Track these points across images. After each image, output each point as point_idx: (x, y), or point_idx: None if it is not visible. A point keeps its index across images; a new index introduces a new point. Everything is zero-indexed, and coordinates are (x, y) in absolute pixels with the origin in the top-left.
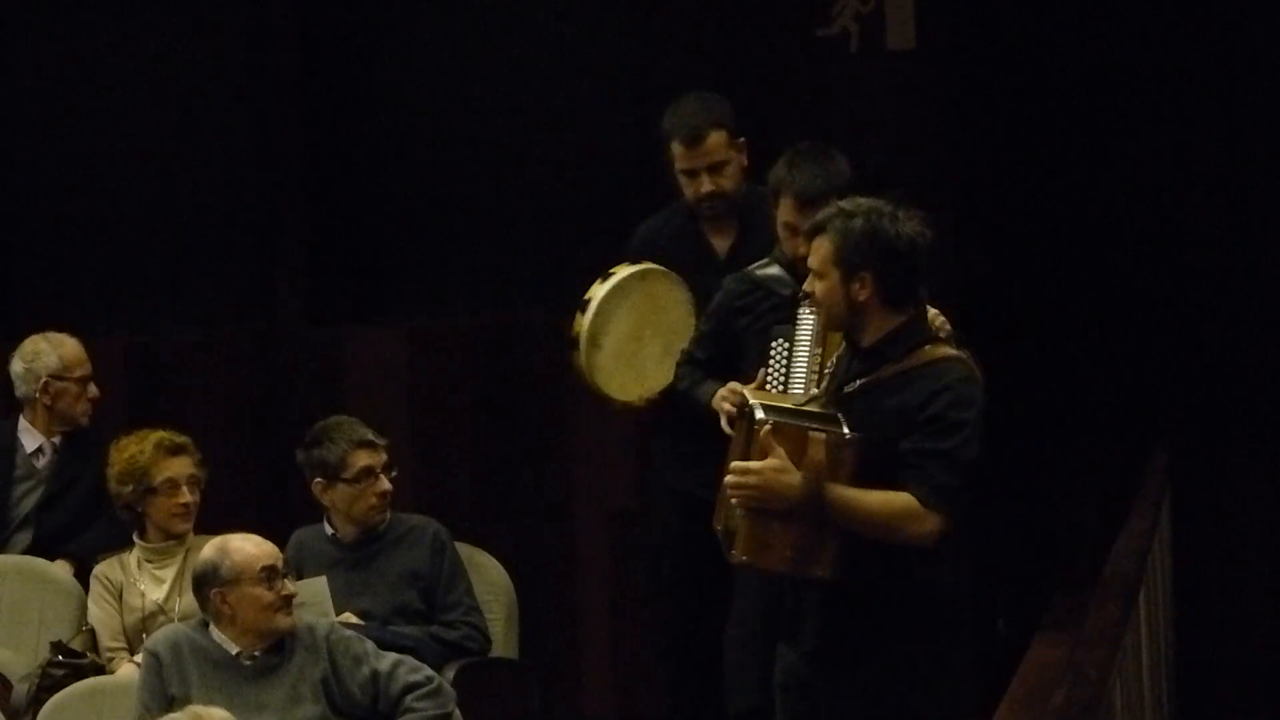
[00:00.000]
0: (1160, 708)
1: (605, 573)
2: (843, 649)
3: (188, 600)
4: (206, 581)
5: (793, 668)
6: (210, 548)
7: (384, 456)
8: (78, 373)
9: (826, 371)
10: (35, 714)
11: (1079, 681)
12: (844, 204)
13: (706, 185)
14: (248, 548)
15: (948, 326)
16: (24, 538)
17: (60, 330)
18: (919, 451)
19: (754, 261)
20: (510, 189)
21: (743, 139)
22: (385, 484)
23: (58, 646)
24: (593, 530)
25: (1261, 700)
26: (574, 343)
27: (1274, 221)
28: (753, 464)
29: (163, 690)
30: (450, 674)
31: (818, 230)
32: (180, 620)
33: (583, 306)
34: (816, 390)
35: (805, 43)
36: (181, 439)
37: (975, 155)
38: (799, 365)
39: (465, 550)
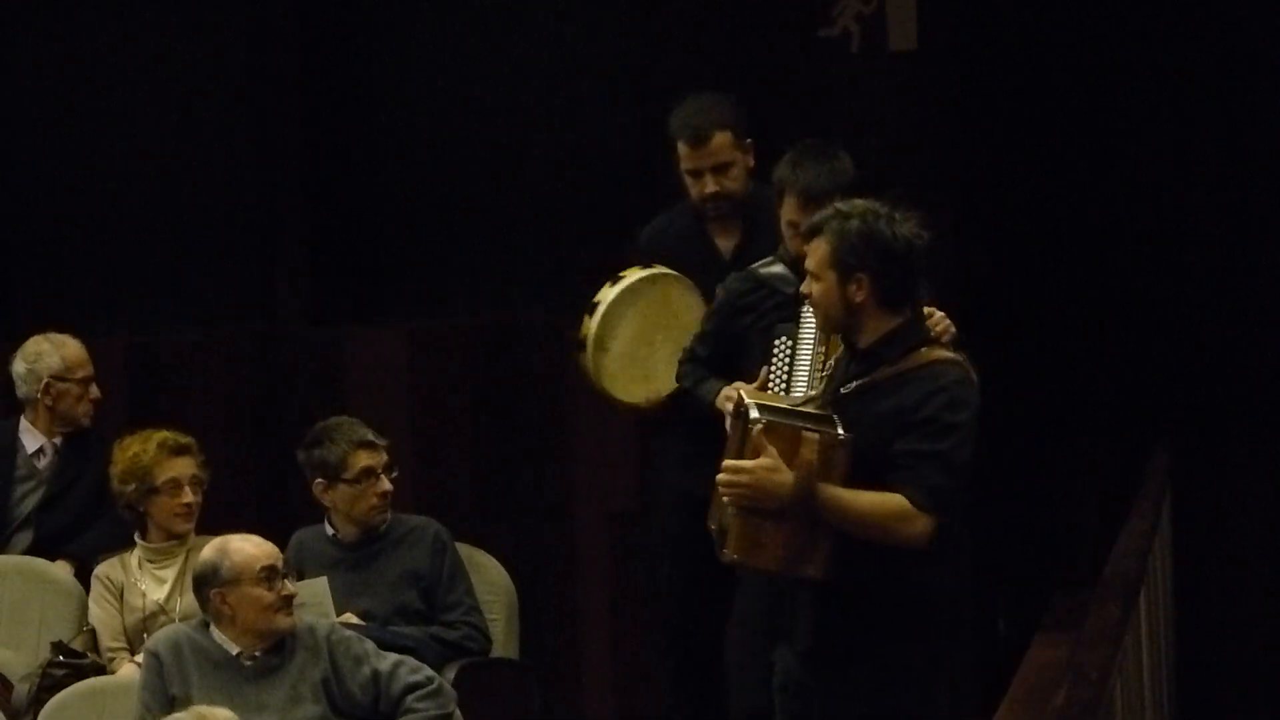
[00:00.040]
0: (1161, 708)
1: (605, 573)
2: (835, 649)
3: (189, 600)
4: (206, 582)
5: (789, 669)
6: (210, 548)
7: (385, 457)
8: (79, 374)
9: (825, 374)
10: (36, 714)
11: (1079, 681)
12: (840, 205)
13: (710, 186)
14: (248, 548)
15: (952, 329)
16: (25, 538)
17: (60, 330)
18: (912, 453)
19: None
20: (510, 189)
21: (749, 140)
22: (386, 484)
23: (58, 647)
24: (593, 530)
25: (1261, 700)
26: (581, 345)
27: (1274, 221)
28: (745, 463)
29: (163, 690)
30: (451, 674)
31: (814, 232)
32: (181, 620)
33: (590, 309)
34: (816, 390)
35: (806, 43)
36: (185, 439)
37: (975, 155)
38: (802, 364)
39: (465, 550)
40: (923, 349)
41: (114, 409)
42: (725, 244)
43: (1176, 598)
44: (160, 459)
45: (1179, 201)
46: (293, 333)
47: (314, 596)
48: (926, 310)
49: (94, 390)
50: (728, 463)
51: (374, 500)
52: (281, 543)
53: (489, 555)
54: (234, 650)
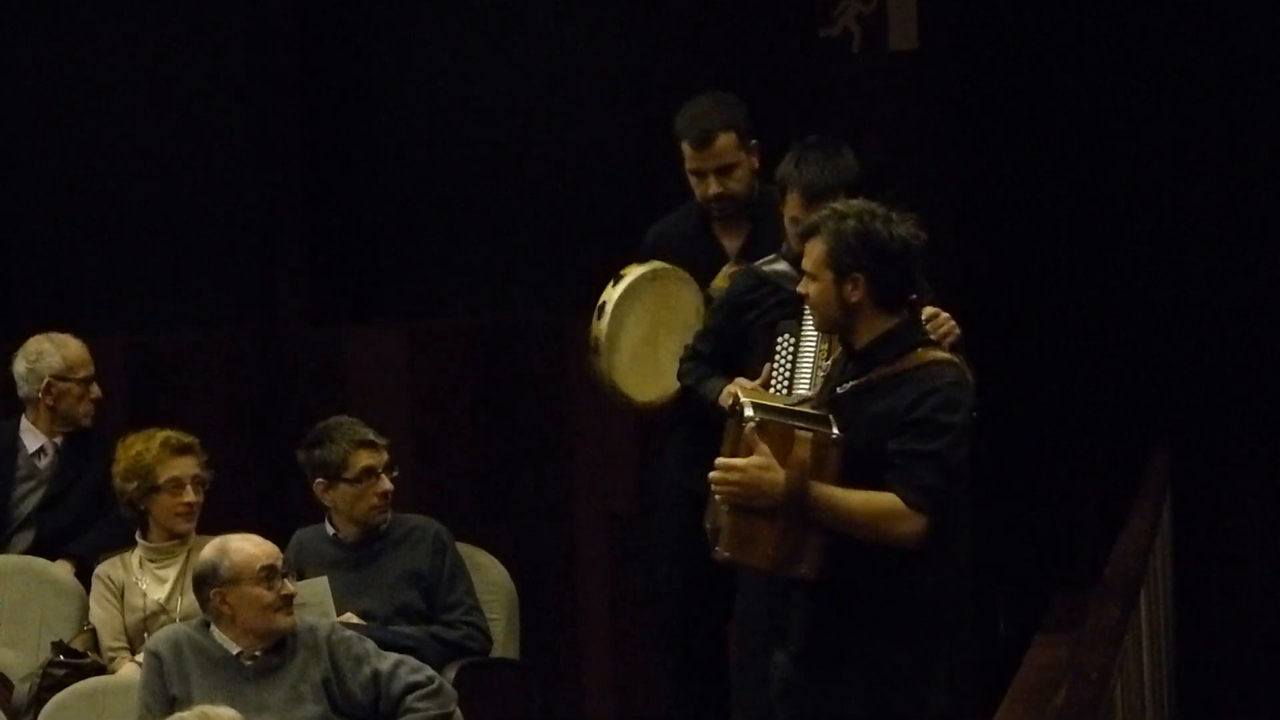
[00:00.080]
0: (1161, 708)
1: (605, 573)
2: (828, 649)
3: (189, 600)
4: (206, 581)
5: (784, 671)
6: (210, 548)
7: (385, 456)
8: (80, 373)
9: (822, 374)
10: (36, 714)
11: (1080, 681)
12: (837, 206)
13: (714, 187)
14: (247, 548)
15: (957, 330)
16: (25, 538)
17: (61, 330)
18: (905, 453)
19: None
20: (510, 189)
21: (755, 141)
22: (386, 484)
23: (59, 646)
24: (593, 530)
25: (1261, 700)
26: (594, 348)
27: (1274, 221)
28: (737, 460)
29: (164, 690)
30: (451, 674)
31: (811, 232)
32: (182, 620)
33: (598, 311)
34: (812, 389)
35: (807, 43)
36: (188, 439)
37: (975, 155)
38: (805, 360)
39: (466, 550)
40: (919, 350)
41: (114, 409)
42: (731, 243)
43: (1176, 598)
44: (163, 458)
45: (1179, 201)
46: (293, 333)
47: (314, 596)
48: (931, 311)
49: (95, 390)
50: (720, 460)
51: (375, 500)
52: (282, 543)
53: (489, 555)
54: (234, 650)
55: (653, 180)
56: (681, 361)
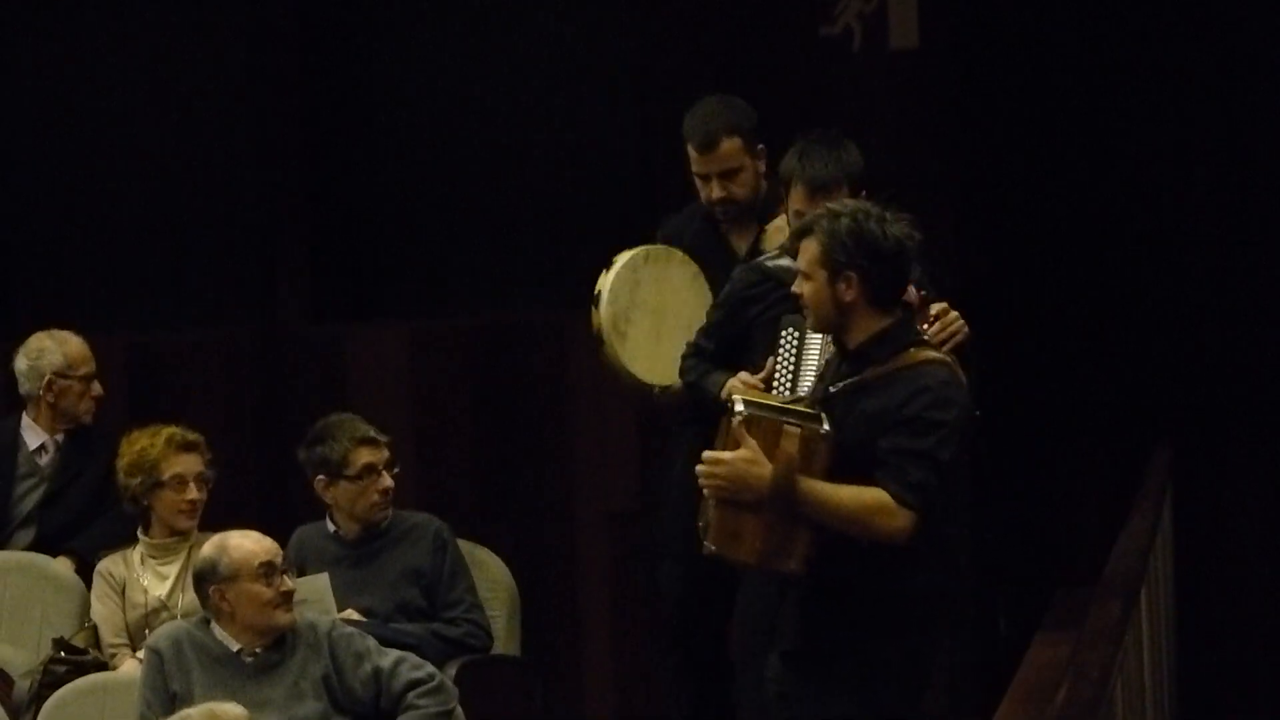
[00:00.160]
0: (1161, 707)
1: (605, 572)
2: (819, 648)
3: (190, 597)
4: (206, 578)
5: (777, 673)
6: (210, 545)
7: (386, 453)
8: (81, 370)
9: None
10: (37, 711)
11: (1080, 680)
12: (832, 205)
13: (717, 191)
14: (246, 544)
15: (965, 329)
16: (26, 535)
17: (61, 329)
18: (895, 450)
19: None
20: (510, 189)
21: (761, 146)
22: (387, 481)
23: (60, 643)
24: (593, 530)
25: (1261, 700)
26: (599, 338)
27: (1274, 221)
28: (723, 454)
29: (164, 687)
30: (452, 671)
31: (805, 232)
32: (183, 617)
33: (594, 300)
34: (796, 391)
35: (807, 41)
36: (193, 436)
37: (976, 155)
38: (810, 354)
39: (466, 547)
40: (912, 349)
41: (114, 409)
42: (740, 243)
43: (1177, 598)
44: (167, 454)
45: (1179, 201)
46: (293, 332)
47: (315, 593)
48: (942, 306)
49: (96, 387)
50: (707, 454)
51: (375, 497)
52: (282, 543)
53: (490, 552)
54: (235, 647)
55: (653, 180)
56: (683, 359)
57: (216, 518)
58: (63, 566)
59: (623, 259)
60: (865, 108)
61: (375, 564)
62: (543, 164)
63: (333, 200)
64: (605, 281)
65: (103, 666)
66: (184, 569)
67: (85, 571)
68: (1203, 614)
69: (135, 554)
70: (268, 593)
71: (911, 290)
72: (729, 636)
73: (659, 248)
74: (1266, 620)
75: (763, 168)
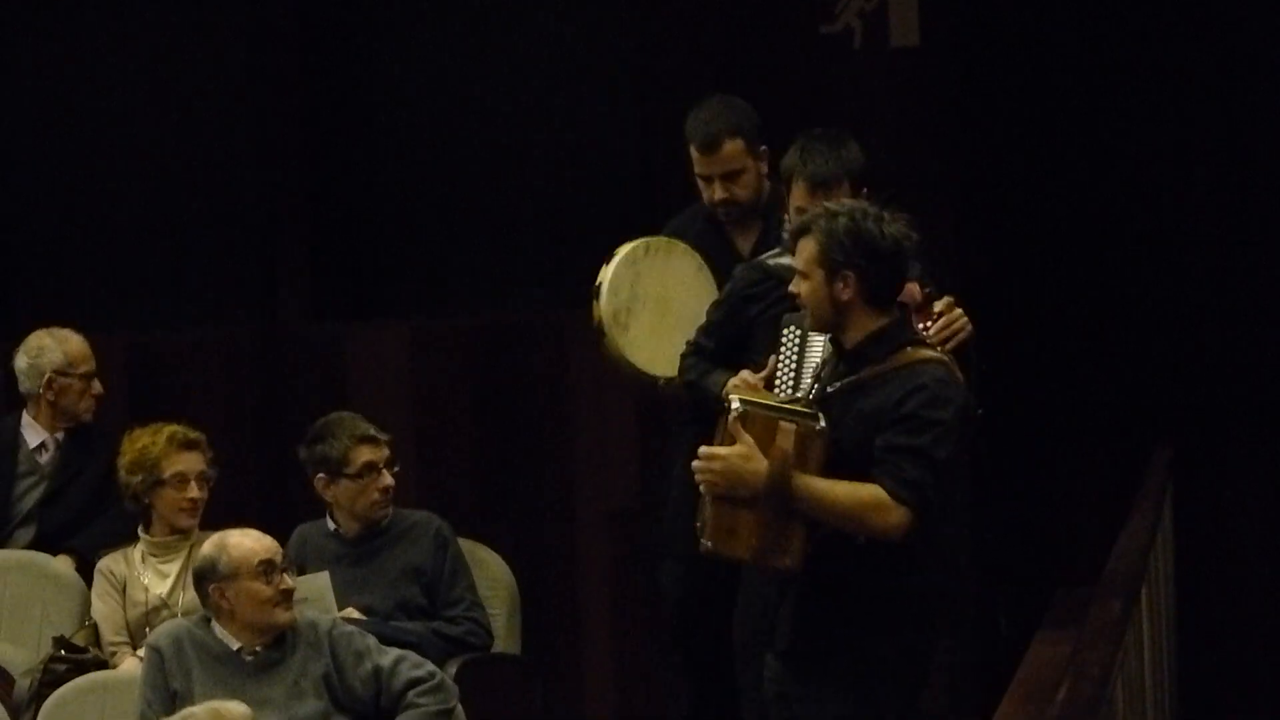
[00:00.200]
0: (1162, 706)
1: (606, 572)
2: (815, 646)
3: (191, 595)
4: (205, 577)
5: (774, 673)
6: (209, 543)
7: (386, 451)
8: (82, 369)
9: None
10: (37, 709)
11: (1081, 678)
12: (829, 205)
13: (719, 192)
14: (246, 543)
15: (969, 328)
16: (26, 533)
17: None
18: (891, 447)
19: None
20: (510, 189)
21: (764, 147)
22: (388, 479)
23: (60, 641)
24: (593, 530)
25: (1261, 700)
26: (600, 330)
27: (1274, 221)
28: (719, 449)
29: (165, 685)
30: (452, 669)
31: (803, 231)
32: (183, 615)
33: (595, 293)
34: (795, 390)
35: (808, 39)
36: (195, 434)
37: (976, 155)
38: (813, 353)
39: (467, 545)
40: (908, 348)
41: (114, 408)
42: (744, 243)
43: (1177, 598)
44: (169, 452)
45: (1179, 201)
46: (293, 332)
47: (316, 592)
48: (944, 304)
49: (96, 385)
50: (703, 450)
51: (376, 495)
52: (282, 542)
53: (490, 550)
54: (235, 645)
55: (653, 180)
56: (683, 358)
57: (217, 517)
58: (63, 565)
59: (623, 251)
60: (866, 107)
61: (375, 562)
62: (543, 164)
63: (333, 200)
64: (605, 274)
65: (103, 665)
66: (185, 567)
67: (85, 570)
68: (1203, 614)
69: (136, 552)
70: (267, 591)
71: (915, 288)
72: (729, 637)
73: (660, 239)
74: (1266, 620)
75: (765, 169)
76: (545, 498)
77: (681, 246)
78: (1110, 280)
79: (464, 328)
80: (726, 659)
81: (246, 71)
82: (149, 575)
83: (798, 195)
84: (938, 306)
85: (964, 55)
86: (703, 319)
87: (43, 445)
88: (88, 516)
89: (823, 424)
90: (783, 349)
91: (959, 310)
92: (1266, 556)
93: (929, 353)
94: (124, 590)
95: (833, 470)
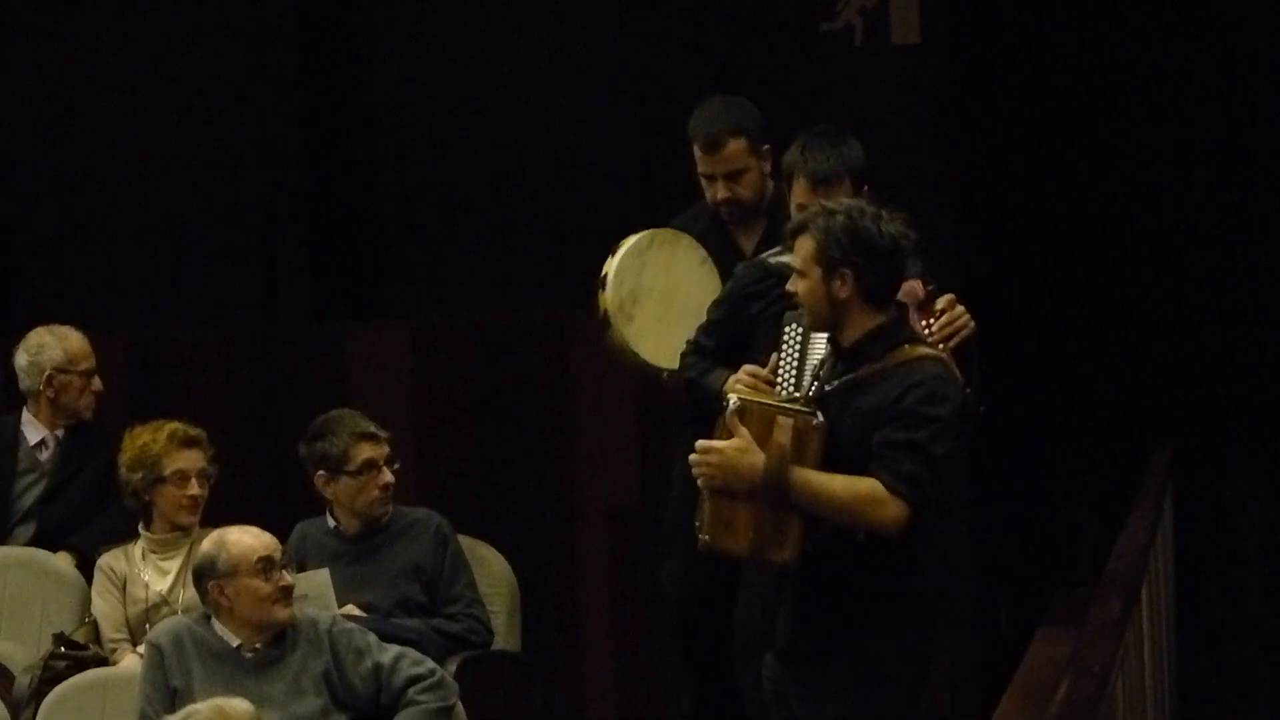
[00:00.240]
0: (1162, 704)
1: (606, 572)
2: (814, 645)
3: (191, 592)
4: (205, 574)
5: (773, 672)
6: (208, 541)
7: (386, 449)
8: (82, 366)
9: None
10: (37, 706)
11: (1081, 676)
12: (827, 203)
13: (722, 192)
14: (245, 539)
15: (972, 324)
16: (26, 530)
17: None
18: (888, 442)
19: None
20: (510, 189)
21: (767, 146)
22: (388, 476)
23: (60, 638)
24: (594, 529)
25: (1261, 700)
26: (605, 321)
27: (1274, 221)
28: (716, 442)
29: (165, 682)
30: (453, 667)
31: (800, 230)
32: (184, 612)
33: (601, 283)
34: (797, 389)
35: (808, 37)
36: (195, 432)
37: (977, 155)
38: (814, 351)
39: (467, 543)
40: (906, 346)
41: (115, 408)
42: (747, 242)
43: (1177, 597)
44: (169, 449)
45: (1179, 201)
46: (293, 332)
47: (316, 589)
48: (946, 301)
49: (96, 383)
50: (700, 443)
51: (376, 492)
52: (283, 541)
53: (490, 548)
54: (235, 643)
55: (653, 180)
56: (683, 356)
57: (217, 517)
58: (63, 562)
59: (629, 242)
60: (866, 105)
61: (376, 559)
62: (543, 164)
63: (333, 200)
64: (611, 265)
65: (103, 662)
66: (185, 564)
67: (85, 567)
68: (1203, 614)
69: (136, 549)
70: (266, 588)
71: (917, 285)
72: (730, 636)
73: (666, 231)
74: (1266, 620)
75: (768, 168)
76: (545, 497)
77: (687, 239)
78: (1110, 280)
79: (464, 328)
80: (726, 659)
81: (246, 71)
82: (149, 572)
83: (799, 192)
84: (940, 304)
85: (965, 54)
86: (705, 312)
87: (43, 442)
88: (88, 514)
89: (820, 419)
90: (784, 347)
91: (961, 308)
92: (1266, 556)
93: (926, 350)
94: (124, 587)
95: (831, 468)
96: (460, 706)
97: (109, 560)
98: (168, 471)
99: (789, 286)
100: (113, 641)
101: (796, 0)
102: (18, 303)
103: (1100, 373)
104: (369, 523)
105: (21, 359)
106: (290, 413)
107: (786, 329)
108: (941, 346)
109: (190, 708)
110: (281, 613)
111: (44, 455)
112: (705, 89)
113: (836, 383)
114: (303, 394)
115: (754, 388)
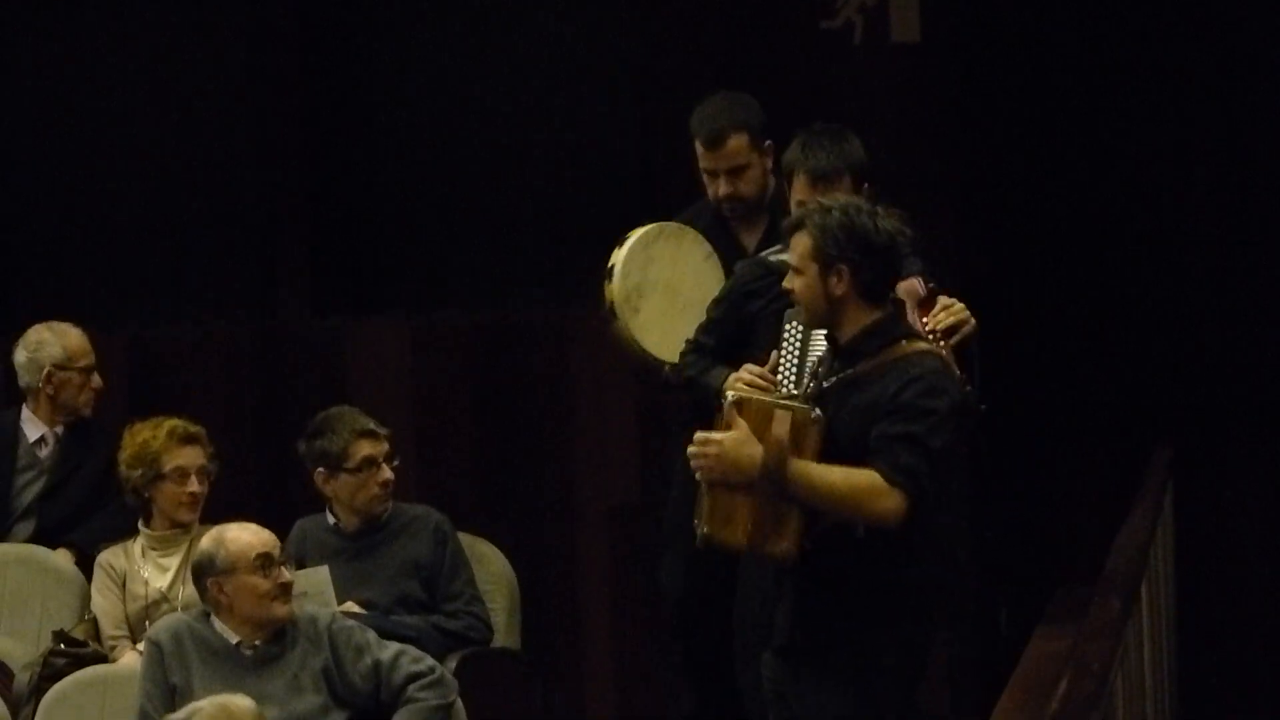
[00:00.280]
0: (1161, 702)
1: (606, 571)
2: (814, 640)
3: (191, 589)
4: (204, 571)
5: (772, 670)
6: (207, 538)
7: (385, 446)
8: (81, 363)
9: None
10: (37, 703)
11: (1081, 673)
12: (823, 200)
13: (724, 188)
14: (244, 537)
15: (972, 321)
16: (26, 527)
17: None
18: (886, 435)
19: None
20: (510, 189)
21: (769, 143)
22: (387, 473)
23: (60, 635)
24: (594, 528)
25: (1261, 700)
26: (612, 312)
27: (1274, 221)
28: (714, 435)
29: (164, 679)
30: (452, 664)
31: (796, 227)
32: (184, 609)
33: (608, 274)
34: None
35: (808, 35)
36: (195, 429)
37: (977, 155)
38: (815, 349)
39: (467, 540)
40: (902, 341)
41: (115, 407)
42: (749, 239)
43: (1177, 597)
44: (169, 446)
45: (1179, 201)
46: (293, 330)
47: (315, 586)
48: (947, 300)
49: (95, 379)
50: (698, 435)
51: (375, 490)
52: (283, 540)
53: (490, 545)
54: (234, 640)
55: (653, 180)
56: (683, 355)
57: (217, 516)
58: (63, 559)
59: (636, 235)
60: (866, 102)
61: (375, 557)
62: (543, 164)
63: (333, 199)
64: (618, 256)
65: (102, 659)
66: (185, 561)
67: (85, 564)
68: (1203, 614)
69: (136, 546)
70: (265, 585)
71: (919, 284)
72: (730, 635)
73: (672, 225)
74: (1266, 620)
75: (770, 164)
76: (545, 496)
77: (692, 233)
78: (1110, 280)
79: (464, 327)
80: (727, 658)
81: (246, 71)
82: (149, 569)
83: (799, 189)
84: (942, 302)
85: (965, 52)
86: (706, 310)
87: (42, 439)
88: (87, 510)
89: (818, 413)
90: (785, 345)
91: (960, 305)
92: (1266, 556)
93: (923, 345)
94: (124, 584)
95: (828, 460)
96: (460, 704)
97: (108, 557)
98: (167, 468)
99: (785, 283)
100: (112, 638)
101: None
102: (18, 301)
103: (1100, 373)
104: (368, 520)
105: (21, 356)
106: (290, 411)
107: (787, 326)
108: (943, 344)
109: (193, 705)
110: (280, 610)
111: (43, 452)
112: (705, 88)
113: (834, 379)
114: (303, 393)
115: (754, 387)
